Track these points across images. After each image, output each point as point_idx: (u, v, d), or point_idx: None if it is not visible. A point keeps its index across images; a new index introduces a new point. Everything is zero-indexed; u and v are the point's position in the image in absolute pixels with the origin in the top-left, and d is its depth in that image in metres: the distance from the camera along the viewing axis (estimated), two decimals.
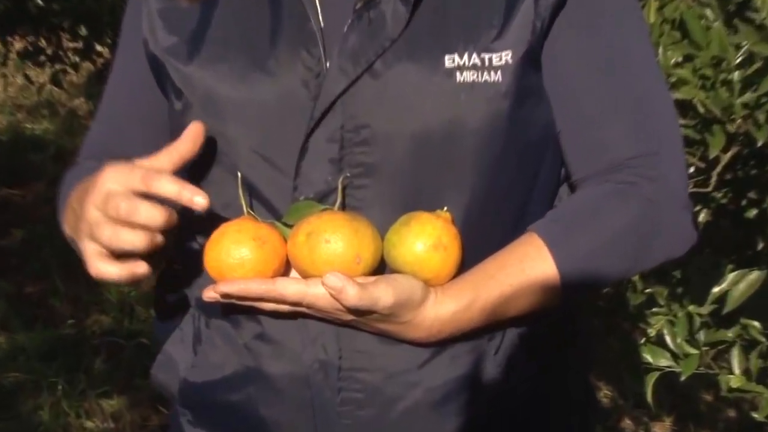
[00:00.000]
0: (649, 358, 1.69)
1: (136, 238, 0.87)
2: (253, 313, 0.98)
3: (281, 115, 0.97)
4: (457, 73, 0.94)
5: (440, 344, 0.98)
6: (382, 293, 0.90)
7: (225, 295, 0.92)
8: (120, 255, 0.90)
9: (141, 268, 0.91)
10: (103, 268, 0.90)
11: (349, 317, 0.93)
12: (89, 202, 0.90)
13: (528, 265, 0.96)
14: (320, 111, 0.95)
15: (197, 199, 0.87)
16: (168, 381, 1.09)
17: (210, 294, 0.93)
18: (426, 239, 0.92)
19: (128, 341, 3.09)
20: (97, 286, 3.36)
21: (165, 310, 1.12)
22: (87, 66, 3.69)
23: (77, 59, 3.52)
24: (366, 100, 0.95)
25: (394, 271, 0.95)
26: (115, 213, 0.87)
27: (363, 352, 0.99)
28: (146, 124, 1.13)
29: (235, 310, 1.00)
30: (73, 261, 1.07)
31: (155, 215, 0.87)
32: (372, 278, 0.92)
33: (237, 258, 0.92)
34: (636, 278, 2.03)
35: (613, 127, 0.99)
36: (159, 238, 0.89)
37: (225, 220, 0.97)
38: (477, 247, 0.99)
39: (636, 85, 1.00)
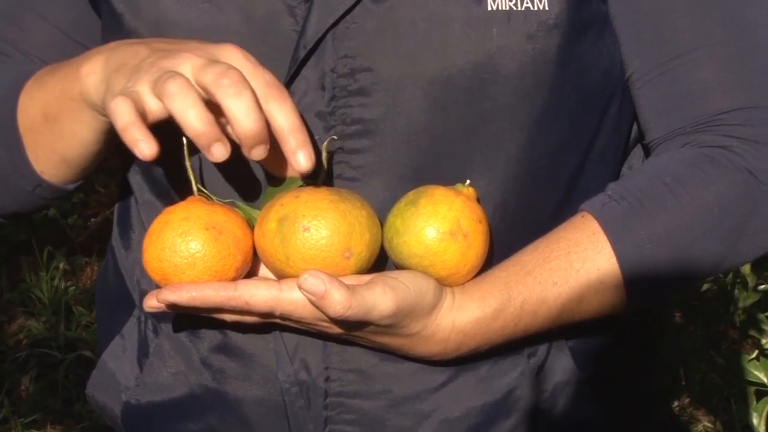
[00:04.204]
0: (762, 377, 1.70)
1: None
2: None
3: (258, 52, 0.98)
4: None
5: (461, 362, 1.00)
6: (379, 298, 0.91)
7: (171, 305, 0.94)
8: None
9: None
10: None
11: (338, 330, 0.95)
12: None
13: (578, 257, 0.97)
14: (305, 48, 0.97)
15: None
16: (108, 403, 1.13)
17: (152, 303, 0.95)
18: (440, 224, 0.94)
19: (65, 353, 3.13)
20: (23, 280, 3.41)
21: (107, 309, 1.16)
22: None
23: None
24: (365, 34, 0.97)
25: (398, 266, 0.97)
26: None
27: (358, 371, 1.01)
28: (60, 35, 1.13)
29: (190, 316, 1.02)
30: None
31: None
32: (366, 278, 0.94)
33: (185, 255, 0.93)
34: (746, 270, 2.03)
35: (706, 69, 1.00)
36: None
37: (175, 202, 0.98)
38: (511, 233, 1.01)
39: (743, 21, 1.01)
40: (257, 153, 0.89)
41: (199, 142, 0.88)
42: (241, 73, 0.88)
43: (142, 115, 0.88)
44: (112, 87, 0.93)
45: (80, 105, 0.99)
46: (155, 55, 0.92)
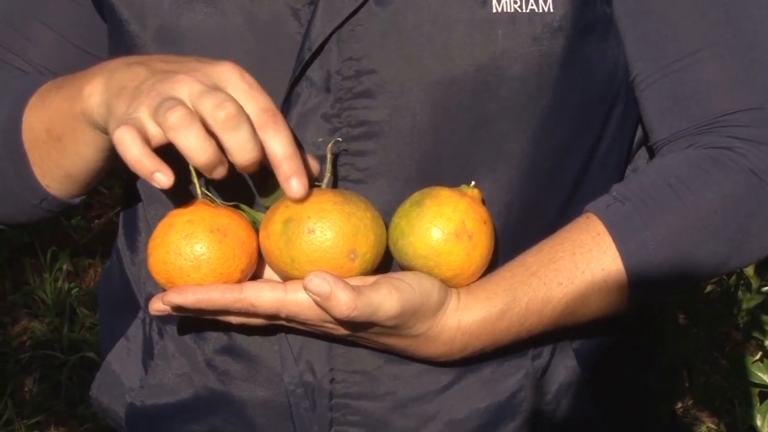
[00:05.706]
0: (766, 379, 1.70)
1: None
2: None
3: (262, 55, 0.99)
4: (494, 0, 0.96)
5: (466, 363, 1.00)
6: (384, 299, 0.92)
7: (177, 308, 0.94)
8: None
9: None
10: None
11: (343, 331, 0.96)
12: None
13: (583, 258, 0.97)
14: (310, 50, 0.97)
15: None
16: (112, 405, 1.13)
17: (157, 306, 0.95)
18: (444, 224, 0.94)
19: (68, 355, 3.14)
20: (26, 282, 3.41)
21: (110, 311, 1.16)
22: None
23: None
24: (369, 36, 0.97)
25: (403, 267, 0.97)
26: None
27: (363, 373, 1.02)
28: (66, 44, 1.13)
29: (195, 318, 1.02)
30: None
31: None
32: (371, 279, 0.94)
33: (190, 258, 0.93)
34: (750, 272, 2.04)
35: (710, 70, 1.01)
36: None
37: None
38: (516, 234, 1.01)
39: (746, 22, 1.02)
40: (250, 171, 0.92)
41: (202, 171, 0.90)
42: (237, 105, 0.89)
43: (147, 141, 0.89)
44: (114, 111, 0.93)
45: (83, 125, 0.99)
46: (153, 78, 0.93)
